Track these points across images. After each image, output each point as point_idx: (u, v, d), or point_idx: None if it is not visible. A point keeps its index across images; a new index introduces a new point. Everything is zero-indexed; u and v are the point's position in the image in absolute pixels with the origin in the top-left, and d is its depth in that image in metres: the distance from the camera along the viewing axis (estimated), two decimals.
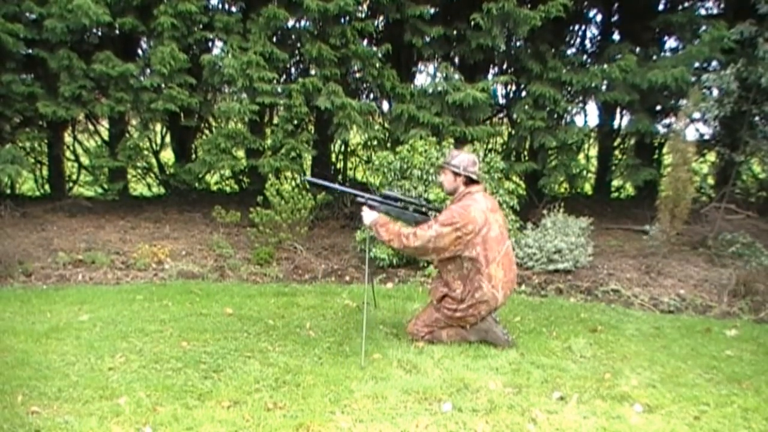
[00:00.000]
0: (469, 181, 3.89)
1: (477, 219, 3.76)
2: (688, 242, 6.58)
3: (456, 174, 3.87)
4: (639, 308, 5.12)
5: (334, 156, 8.97)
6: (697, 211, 6.50)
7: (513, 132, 8.03)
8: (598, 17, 9.05)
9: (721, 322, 4.75)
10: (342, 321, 4.43)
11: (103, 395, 3.11)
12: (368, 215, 3.94)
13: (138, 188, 9.24)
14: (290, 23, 7.04)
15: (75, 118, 7.87)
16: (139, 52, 7.88)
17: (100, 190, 8.21)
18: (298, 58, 7.63)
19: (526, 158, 8.05)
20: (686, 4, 7.91)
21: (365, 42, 7.33)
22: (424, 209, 4.18)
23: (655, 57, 7.44)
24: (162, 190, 8.95)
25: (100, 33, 7.03)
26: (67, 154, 8.72)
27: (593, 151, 10.06)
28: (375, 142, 7.54)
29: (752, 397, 3.34)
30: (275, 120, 8.21)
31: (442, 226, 3.75)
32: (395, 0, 6.71)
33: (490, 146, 9.12)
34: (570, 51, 8.52)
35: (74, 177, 8.73)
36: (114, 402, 3.04)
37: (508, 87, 8.50)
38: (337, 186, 4.51)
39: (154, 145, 8.80)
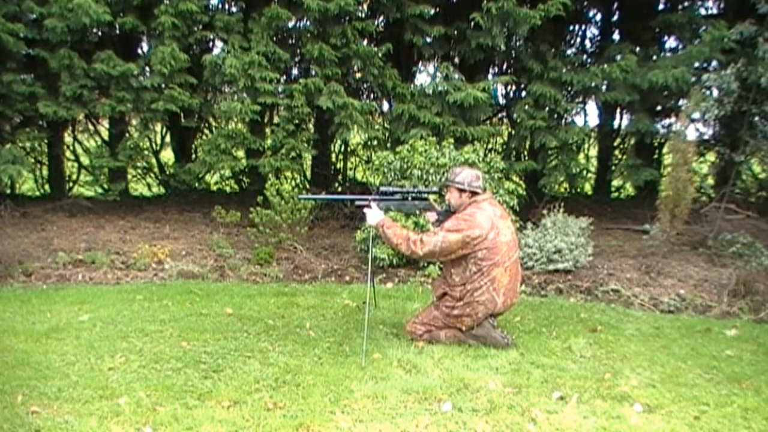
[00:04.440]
0: (474, 195, 3.95)
1: (483, 224, 3.79)
2: (688, 242, 6.58)
3: (461, 190, 3.93)
4: (639, 308, 5.12)
5: (334, 156, 8.98)
6: (697, 211, 6.50)
7: (513, 132, 8.04)
8: (598, 17, 9.06)
9: (721, 322, 4.75)
10: (342, 321, 4.43)
11: (103, 395, 3.11)
12: (372, 215, 3.93)
13: (138, 188, 9.25)
14: (291, 23, 7.04)
15: (75, 118, 7.88)
16: (140, 51, 7.89)
17: (100, 190, 8.21)
18: (298, 58, 7.64)
19: (526, 158, 8.05)
20: (686, 4, 7.91)
21: (366, 42, 7.33)
22: (423, 195, 4.21)
23: (655, 57, 7.44)
24: (162, 190, 8.96)
25: (100, 32, 7.03)
26: (67, 154, 8.73)
27: (593, 151, 10.07)
28: (375, 142, 7.54)
29: (752, 397, 3.34)
30: (275, 120, 8.21)
31: (448, 232, 3.78)
32: (395, 0, 6.72)
33: (490, 146, 9.13)
34: (570, 51, 8.53)
35: (74, 177, 8.73)
36: (114, 402, 3.04)
37: (509, 87, 8.51)
38: (332, 197, 4.50)
39: (154, 145, 8.81)
